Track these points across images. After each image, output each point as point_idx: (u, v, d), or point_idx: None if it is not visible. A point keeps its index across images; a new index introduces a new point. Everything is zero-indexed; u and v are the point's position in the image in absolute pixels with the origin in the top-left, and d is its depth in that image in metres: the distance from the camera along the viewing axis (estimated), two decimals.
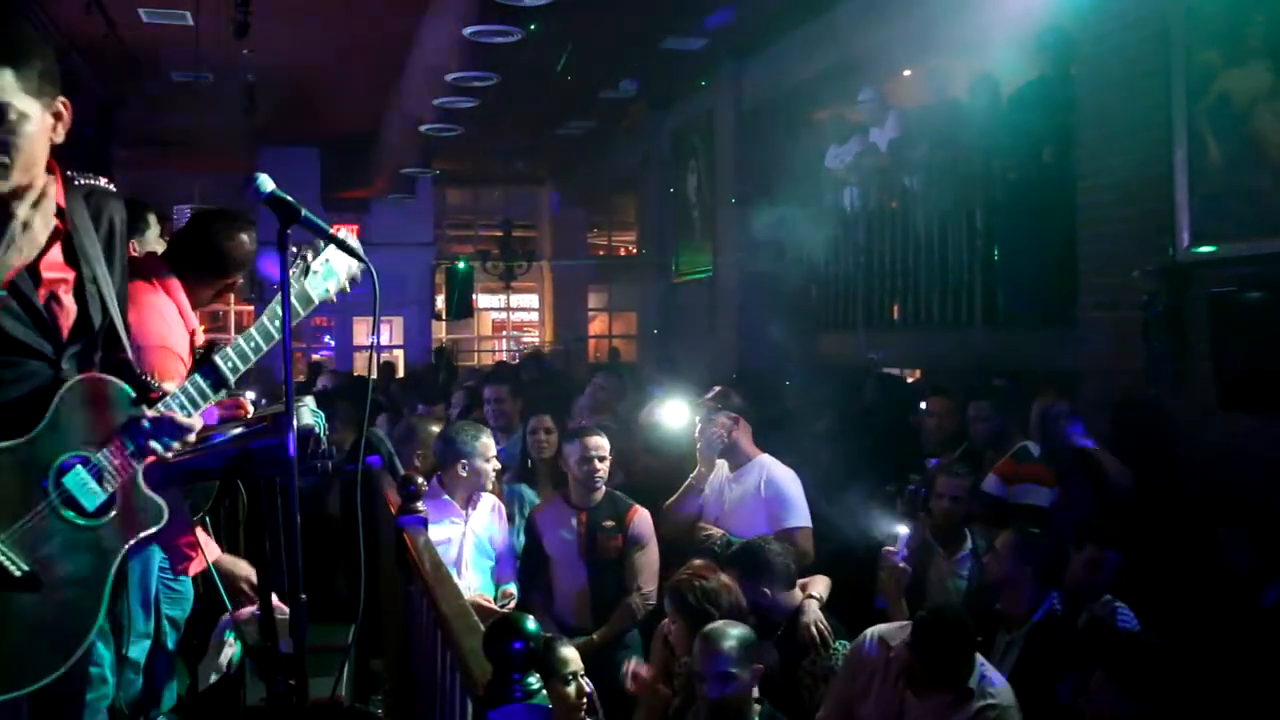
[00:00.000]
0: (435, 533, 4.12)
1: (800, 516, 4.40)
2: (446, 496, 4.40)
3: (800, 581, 3.88)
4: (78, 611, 1.99)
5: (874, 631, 3.43)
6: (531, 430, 5.33)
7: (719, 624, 3.25)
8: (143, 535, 2.09)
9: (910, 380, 8.25)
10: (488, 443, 4.45)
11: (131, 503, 2.07)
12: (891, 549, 4.04)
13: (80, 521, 1.99)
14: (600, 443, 4.45)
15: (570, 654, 3.21)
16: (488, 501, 4.53)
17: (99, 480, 2.01)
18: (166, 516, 2.11)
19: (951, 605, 3.70)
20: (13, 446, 1.93)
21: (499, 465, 4.59)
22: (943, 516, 4.35)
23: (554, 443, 5.47)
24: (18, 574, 1.90)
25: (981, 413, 5.26)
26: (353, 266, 2.43)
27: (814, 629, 3.68)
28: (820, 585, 3.89)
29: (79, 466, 1.99)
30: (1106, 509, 4.39)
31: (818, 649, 3.66)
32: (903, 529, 4.07)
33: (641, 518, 4.42)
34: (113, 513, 2.04)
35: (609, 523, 4.36)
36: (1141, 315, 4.89)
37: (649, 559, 4.38)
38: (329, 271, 2.42)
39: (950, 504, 4.33)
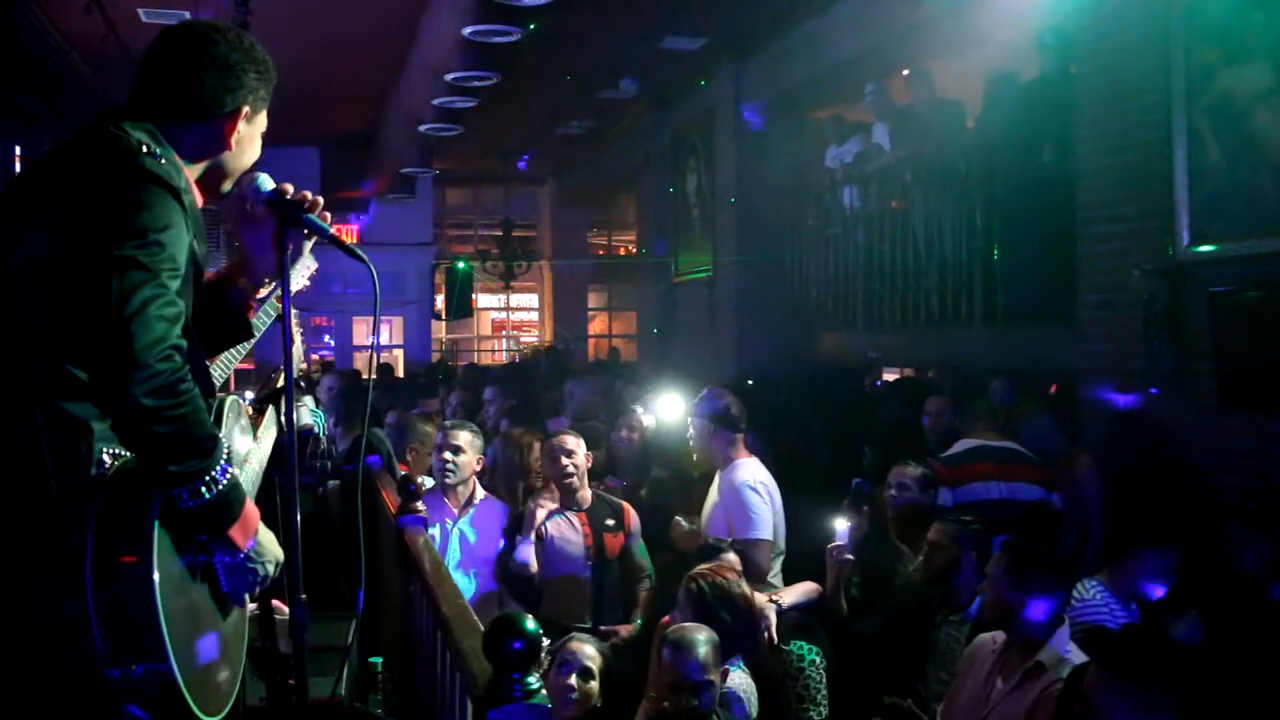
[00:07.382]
0: None
1: (756, 528, 4.18)
2: (441, 495, 4.43)
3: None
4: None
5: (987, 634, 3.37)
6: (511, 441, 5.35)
7: (687, 629, 3.08)
8: None
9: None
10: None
11: None
12: (836, 545, 3.96)
13: None
14: (564, 439, 4.47)
15: (593, 653, 3.11)
16: (489, 506, 4.54)
17: None
18: None
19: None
20: None
21: (468, 462, 4.49)
22: (895, 511, 4.28)
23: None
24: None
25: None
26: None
27: (767, 634, 3.65)
28: (789, 593, 3.88)
29: None
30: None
31: (772, 651, 3.65)
32: (843, 523, 3.99)
33: (632, 512, 4.57)
34: None
35: (610, 521, 4.44)
36: (1141, 315, 4.89)
37: (642, 547, 4.54)
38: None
39: (898, 492, 4.26)
